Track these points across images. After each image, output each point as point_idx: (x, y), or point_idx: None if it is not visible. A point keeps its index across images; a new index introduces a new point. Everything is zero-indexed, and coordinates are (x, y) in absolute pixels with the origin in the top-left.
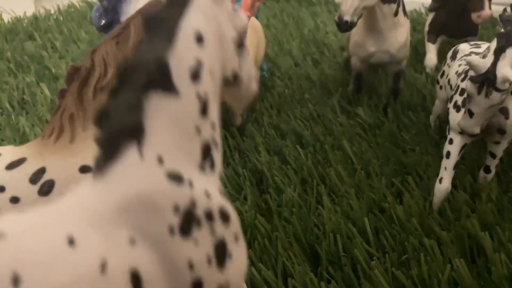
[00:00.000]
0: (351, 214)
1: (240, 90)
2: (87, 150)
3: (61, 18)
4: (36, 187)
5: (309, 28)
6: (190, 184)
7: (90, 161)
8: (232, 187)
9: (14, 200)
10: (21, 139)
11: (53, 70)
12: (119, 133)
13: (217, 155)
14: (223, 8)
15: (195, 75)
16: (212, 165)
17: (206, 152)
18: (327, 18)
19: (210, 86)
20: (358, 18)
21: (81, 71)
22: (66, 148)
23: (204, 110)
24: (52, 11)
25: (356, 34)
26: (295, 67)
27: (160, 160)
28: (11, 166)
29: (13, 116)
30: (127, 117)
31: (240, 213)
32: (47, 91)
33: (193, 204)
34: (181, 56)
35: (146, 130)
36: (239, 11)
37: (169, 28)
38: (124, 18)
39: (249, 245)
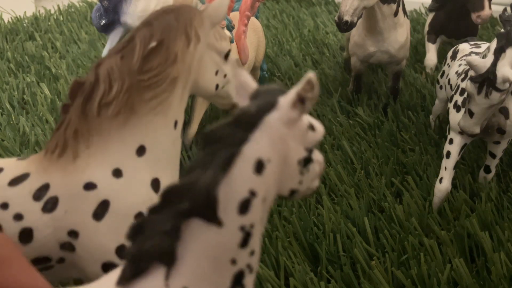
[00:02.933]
0: (351, 213)
1: (294, 197)
2: (92, 167)
3: (61, 18)
4: (40, 204)
5: (309, 28)
6: None
7: (94, 179)
8: None
9: (18, 217)
10: (21, 139)
11: (53, 70)
12: (151, 254)
13: (249, 279)
14: (296, 130)
15: (244, 207)
16: None
17: (237, 282)
18: (327, 18)
19: (258, 214)
20: (358, 18)
21: (85, 86)
22: (70, 164)
23: (245, 242)
24: (52, 11)
25: (356, 34)
26: (295, 67)
27: None
28: (14, 182)
29: (13, 116)
30: (162, 239)
31: None
32: (47, 91)
33: None
34: (234, 188)
35: (177, 257)
36: (316, 123)
37: (229, 153)
38: (124, 18)
39: None
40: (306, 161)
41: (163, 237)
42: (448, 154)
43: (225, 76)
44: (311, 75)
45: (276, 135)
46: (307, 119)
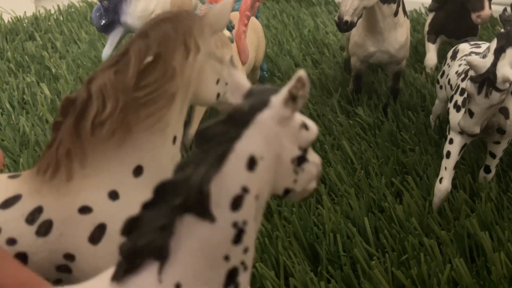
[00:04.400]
0: (351, 213)
1: (290, 197)
2: (86, 189)
3: (61, 18)
4: (34, 227)
5: (309, 28)
6: None
7: (89, 202)
8: None
9: (11, 241)
10: (21, 139)
11: (53, 70)
12: (144, 249)
13: (244, 277)
14: (289, 127)
15: (237, 204)
16: None
17: (231, 279)
18: (327, 18)
19: (251, 212)
20: (358, 18)
21: (77, 102)
22: (63, 186)
23: (238, 238)
24: (52, 11)
25: (356, 34)
26: (295, 67)
27: (177, 287)
28: (6, 204)
29: (13, 116)
30: (156, 235)
31: None
32: (47, 91)
33: None
34: (226, 183)
35: (171, 253)
36: (310, 122)
37: (221, 150)
38: (124, 18)
39: None
40: (300, 160)
41: (157, 233)
42: (448, 154)
43: (226, 84)
44: (301, 72)
45: (269, 133)
46: (300, 118)
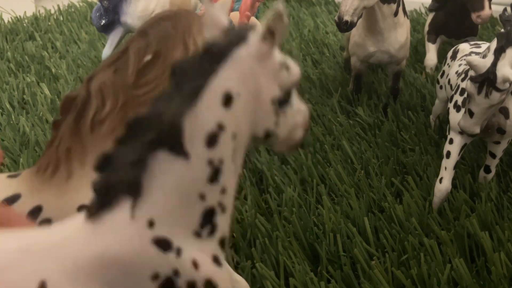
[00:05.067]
0: (351, 213)
1: (274, 143)
2: (86, 188)
3: (61, 18)
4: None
5: (309, 28)
6: (178, 252)
7: (88, 201)
8: None
9: None
10: (21, 139)
11: (53, 70)
12: (117, 185)
13: (222, 219)
14: (268, 65)
15: (212, 140)
16: (212, 231)
17: (207, 218)
18: (327, 18)
19: (228, 151)
20: (358, 18)
21: (77, 101)
22: (63, 185)
23: (214, 177)
24: (52, 11)
25: (356, 34)
26: None
27: (151, 224)
28: (5, 203)
29: (13, 116)
30: (128, 171)
31: (240, 213)
32: (47, 91)
33: (175, 274)
34: (200, 119)
35: (144, 189)
36: (292, 64)
37: (195, 85)
38: (124, 18)
39: (250, 244)
40: (282, 103)
41: (129, 169)
42: (448, 154)
43: None
44: (279, 6)
45: (246, 69)
46: (281, 57)
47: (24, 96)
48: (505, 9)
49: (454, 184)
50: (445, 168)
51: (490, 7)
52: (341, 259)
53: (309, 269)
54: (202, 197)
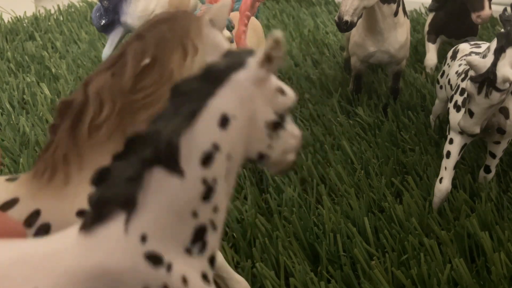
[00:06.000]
0: (351, 213)
1: (266, 165)
2: (84, 193)
3: (61, 18)
4: (32, 230)
5: (309, 28)
6: (169, 267)
7: (86, 206)
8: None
9: None
10: (21, 139)
11: (53, 70)
12: (112, 200)
13: (213, 237)
14: (264, 89)
15: (207, 160)
16: (203, 248)
17: (198, 236)
18: (327, 18)
19: (222, 170)
20: (358, 18)
21: (73, 105)
22: (60, 190)
23: (207, 195)
24: (52, 11)
25: (356, 34)
26: (295, 67)
27: (143, 239)
28: (4, 208)
29: (13, 116)
30: (124, 186)
31: (240, 213)
32: (47, 91)
33: None
34: (197, 139)
35: (138, 205)
36: (287, 88)
37: (194, 106)
38: (124, 18)
39: (250, 244)
40: (276, 126)
41: (125, 184)
42: (448, 154)
43: None
44: (277, 33)
45: (243, 93)
46: (277, 81)
47: (24, 96)
48: (505, 9)
49: (454, 184)
50: (445, 168)
51: (490, 7)
52: (341, 259)
53: (309, 269)
54: (194, 214)
